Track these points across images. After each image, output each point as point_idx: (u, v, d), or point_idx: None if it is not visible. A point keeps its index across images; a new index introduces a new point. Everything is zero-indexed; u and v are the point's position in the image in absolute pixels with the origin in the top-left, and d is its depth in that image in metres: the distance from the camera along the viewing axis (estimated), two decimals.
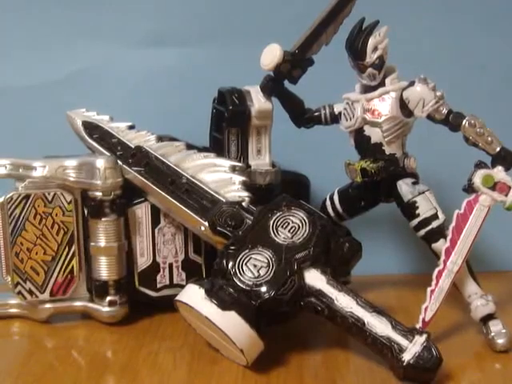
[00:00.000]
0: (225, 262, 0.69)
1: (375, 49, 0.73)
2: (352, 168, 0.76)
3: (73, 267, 0.78)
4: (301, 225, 0.71)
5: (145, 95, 0.91)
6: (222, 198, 0.74)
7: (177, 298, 0.69)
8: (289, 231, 0.71)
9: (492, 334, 0.71)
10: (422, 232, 0.74)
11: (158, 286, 0.79)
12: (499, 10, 0.90)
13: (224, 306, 0.66)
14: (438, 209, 0.74)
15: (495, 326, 0.72)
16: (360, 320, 0.66)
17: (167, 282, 0.79)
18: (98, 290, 0.77)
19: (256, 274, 0.68)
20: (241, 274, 0.68)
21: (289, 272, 0.68)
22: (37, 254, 0.77)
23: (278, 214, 0.72)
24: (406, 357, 0.64)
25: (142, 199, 0.78)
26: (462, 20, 0.91)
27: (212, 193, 0.75)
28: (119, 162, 0.77)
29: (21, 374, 0.69)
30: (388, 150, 0.75)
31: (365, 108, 0.74)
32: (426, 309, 0.71)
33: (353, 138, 0.77)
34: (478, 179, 0.71)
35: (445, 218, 0.74)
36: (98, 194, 0.75)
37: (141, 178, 0.77)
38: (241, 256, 0.69)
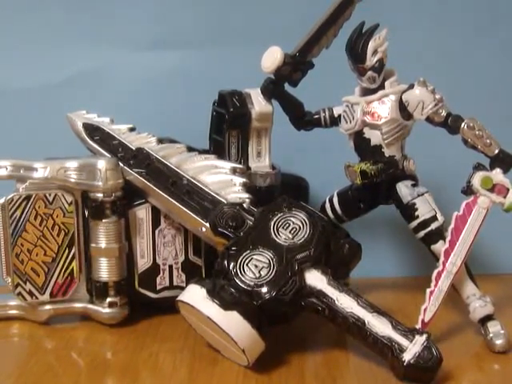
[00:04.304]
0: (226, 262, 0.69)
1: (375, 52, 0.73)
2: (352, 170, 0.77)
3: (73, 268, 0.78)
4: (301, 226, 0.71)
5: (145, 98, 0.92)
6: (222, 200, 0.74)
7: (178, 297, 0.69)
8: (290, 232, 0.71)
9: (490, 334, 0.72)
10: (421, 234, 0.75)
11: (158, 287, 0.79)
12: (498, 12, 0.91)
13: (226, 305, 0.66)
14: (437, 210, 0.74)
15: (494, 327, 0.72)
16: (360, 320, 0.67)
17: (167, 284, 0.79)
18: (98, 291, 0.77)
19: (257, 275, 0.68)
20: (242, 274, 0.68)
21: (290, 272, 0.68)
22: (37, 255, 0.77)
23: (279, 215, 0.72)
24: (407, 356, 0.65)
25: (143, 201, 0.78)
26: (461, 23, 0.91)
27: (213, 194, 0.75)
28: (120, 164, 0.77)
29: (21, 375, 0.68)
30: (387, 152, 0.75)
31: (364, 110, 0.75)
32: (425, 310, 0.71)
33: (352, 140, 0.77)
34: (476, 181, 0.71)
35: (444, 219, 0.74)
36: (99, 195, 0.75)
37: (142, 179, 0.77)
38: (242, 256, 0.69)
